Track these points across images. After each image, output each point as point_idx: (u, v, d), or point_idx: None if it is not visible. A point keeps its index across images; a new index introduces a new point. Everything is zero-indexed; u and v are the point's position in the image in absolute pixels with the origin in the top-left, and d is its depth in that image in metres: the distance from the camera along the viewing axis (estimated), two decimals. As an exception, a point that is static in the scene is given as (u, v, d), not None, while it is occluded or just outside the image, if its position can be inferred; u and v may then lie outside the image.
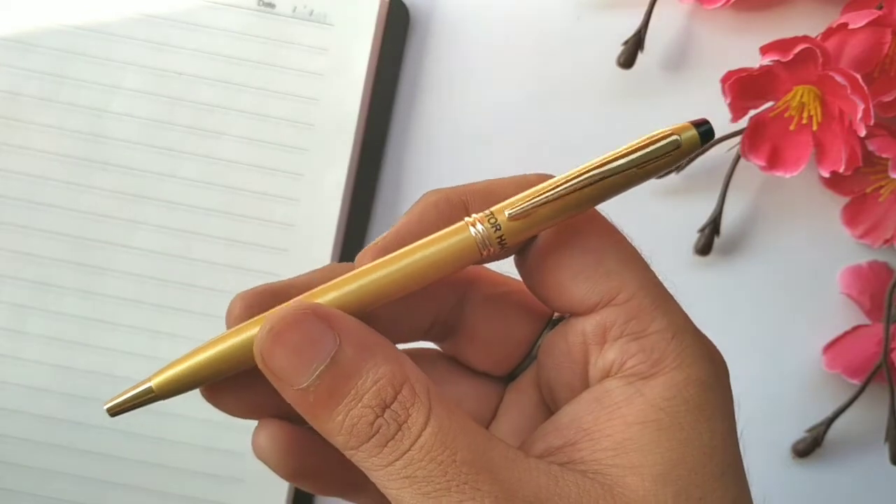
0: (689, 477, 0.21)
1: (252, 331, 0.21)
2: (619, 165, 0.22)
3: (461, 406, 0.24)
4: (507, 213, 0.22)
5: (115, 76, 0.41)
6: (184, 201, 0.41)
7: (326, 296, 0.21)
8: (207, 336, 0.41)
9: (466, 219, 0.22)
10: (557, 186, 0.22)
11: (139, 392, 0.22)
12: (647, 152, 0.22)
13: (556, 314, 0.26)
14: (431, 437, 0.20)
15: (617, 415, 0.21)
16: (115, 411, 0.22)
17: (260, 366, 0.21)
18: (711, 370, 0.22)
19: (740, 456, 0.22)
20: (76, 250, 0.41)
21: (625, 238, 0.23)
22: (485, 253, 0.22)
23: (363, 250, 0.23)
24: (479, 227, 0.22)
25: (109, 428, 0.40)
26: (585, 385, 0.23)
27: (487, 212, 0.22)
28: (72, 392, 0.40)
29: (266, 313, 0.21)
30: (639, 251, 0.23)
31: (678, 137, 0.22)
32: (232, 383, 0.22)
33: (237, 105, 0.41)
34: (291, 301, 0.21)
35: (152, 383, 0.21)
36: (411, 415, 0.20)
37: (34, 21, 0.41)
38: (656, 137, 0.22)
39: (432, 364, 0.26)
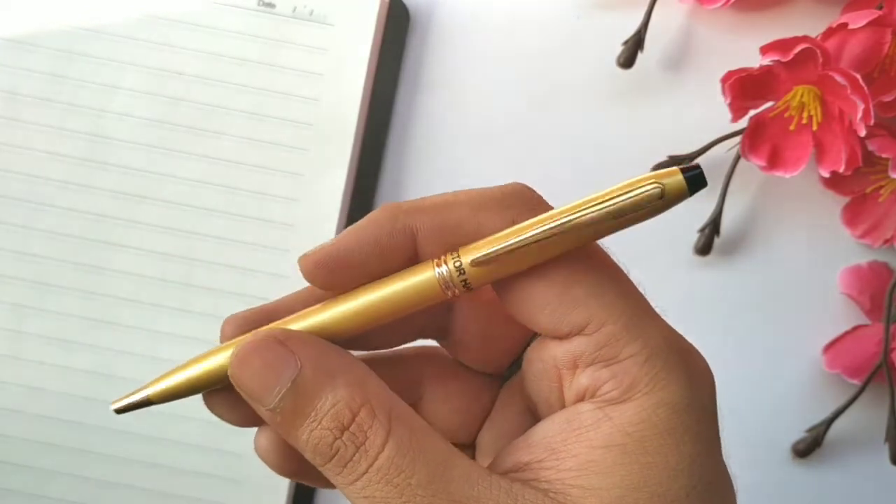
0: (650, 500, 0.21)
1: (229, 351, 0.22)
2: (592, 217, 0.21)
3: (454, 401, 0.25)
4: (470, 258, 0.22)
5: (115, 76, 0.41)
6: (184, 201, 0.41)
7: (296, 324, 0.23)
8: (207, 336, 0.41)
9: (435, 260, 0.22)
10: (525, 232, 0.21)
11: (138, 400, 0.23)
12: (624, 204, 0.21)
13: None
14: (387, 460, 0.21)
15: (584, 437, 0.22)
16: (120, 411, 0.23)
17: (236, 388, 0.22)
18: (686, 392, 0.22)
19: (718, 474, 0.22)
20: (76, 250, 0.41)
21: (598, 257, 0.23)
22: (450, 294, 0.22)
23: (303, 255, 0.23)
24: (444, 268, 0.22)
25: (109, 428, 0.40)
26: (562, 404, 0.23)
27: (454, 253, 0.22)
28: (71, 392, 0.40)
29: (237, 339, 0.23)
30: (615, 266, 0.23)
31: (660, 186, 0.20)
32: (229, 398, 0.23)
33: (237, 105, 0.41)
34: (262, 328, 0.22)
35: (149, 392, 0.23)
36: (369, 437, 0.21)
37: (34, 21, 0.41)
38: (636, 184, 0.21)
39: (430, 358, 0.26)
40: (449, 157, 0.43)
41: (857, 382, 0.40)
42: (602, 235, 0.21)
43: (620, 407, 0.21)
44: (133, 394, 0.23)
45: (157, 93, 0.41)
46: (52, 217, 0.41)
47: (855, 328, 0.41)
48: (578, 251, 0.22)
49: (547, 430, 0.22)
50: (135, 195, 0.41)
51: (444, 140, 0.43)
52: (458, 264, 0.22)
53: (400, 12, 0.42)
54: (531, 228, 0.21)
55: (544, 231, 0.21)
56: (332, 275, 0.23)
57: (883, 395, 0.40)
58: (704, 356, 0.23)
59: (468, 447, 0.27)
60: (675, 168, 0.21)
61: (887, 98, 0.39)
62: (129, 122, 0.41)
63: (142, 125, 0.41)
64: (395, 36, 0.42)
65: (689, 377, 0.22)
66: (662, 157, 0.41)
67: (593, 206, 0.21)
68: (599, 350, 0.22)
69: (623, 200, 0.21)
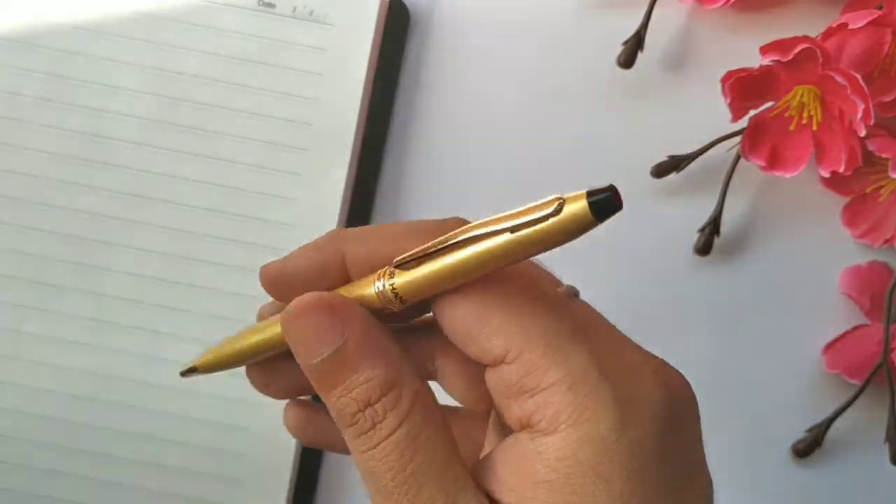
0: None
1: (258, 336, 0.26)
2: (495, 230, 0.20)
3: (467, 373, 0.27)
4: (394, 261, 0.23)
5: (115, 76, 0.41)
6: (184, 201, 0.41)
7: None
8: (207, 336, 0.41)
9: (377, 273, 0.23)
10: (444, 241, 0.22)
11: (187, 369, 0.27)
12: (525, 220, 0.20)
13: None
14: (394, 443, 0.22)
15: (519, 471, 0.21)
16: (183, 374, 0.27)
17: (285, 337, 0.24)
18: (615, 425, 0.20)
19: None
20: (76, 250, 0.41)
21: (519, 280, 0.22)
22: (389, 309, 0.23)
23: (262, 267, 0.25)
24: (380, 283, 0.23)
25: (109, 428, 0.40)
26: (508, 431, 0.23)
27: (391, 268, 0.23)
28: (71, 392, 0.40)
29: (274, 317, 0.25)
30: (540, 288, 0.23)
31: (561, 201, 0.20)
32: (266, 371, 0.27)
33: (237, 105, 0.41)
34: (318, 293, 0.24)
35: (197, 363, 0.27)
36: (387, 417, 0.22)
37: (34, 21, 0.41)
38: (540, 203, 0.20)
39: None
40: (449, 157, 0.43)
41: (857, 382, 0.40)
42: (512, 255, 0.21)
43: (547, 440, 0.21)
44: (185, 366, 0.27)
45: (157, 93, 0.41)
46: (52, 217, 0.41)
47: (855, 328, 0.41)
48: (490, 283, 0.22)
49: (495, 458, 0.22)
50: (135, 195, 0.41)
51: (444, 140, 0.43)
52: (391, 278, 0.23)
53: (400, 12, 0.42)
54: (450, 238, 0.22)
55: (455, 235, 0.21)
56: (281, 289, 0.25)
57: (883, 395, 0.40)
58: (685, 374, 0.23)
59: (485, 416, 0.27)
60: (583, 192, 0.19)
61: (887, 98, 0.39)
62: (129, 122, 0.41)
63: (142, 125, 0.41)
64: (395, 36, 0.42)
65: (619, 406, 0.21)
66: (662, 157, 0.41)
67: (501, 219, 0.21)
68: (522, 378, 0.21)
69: (524, 217, 0.20)
